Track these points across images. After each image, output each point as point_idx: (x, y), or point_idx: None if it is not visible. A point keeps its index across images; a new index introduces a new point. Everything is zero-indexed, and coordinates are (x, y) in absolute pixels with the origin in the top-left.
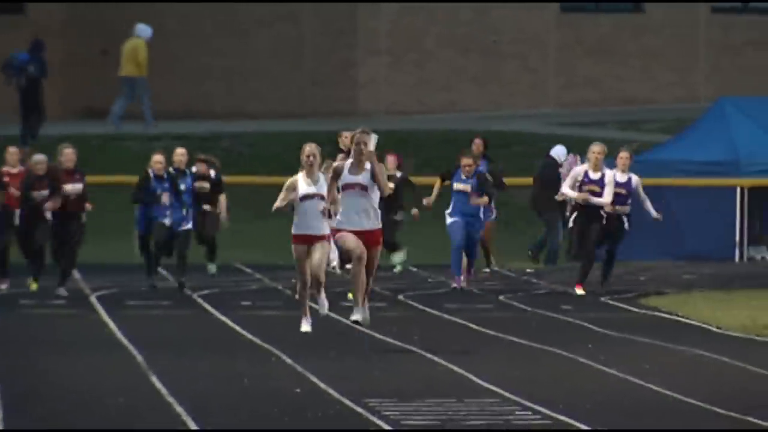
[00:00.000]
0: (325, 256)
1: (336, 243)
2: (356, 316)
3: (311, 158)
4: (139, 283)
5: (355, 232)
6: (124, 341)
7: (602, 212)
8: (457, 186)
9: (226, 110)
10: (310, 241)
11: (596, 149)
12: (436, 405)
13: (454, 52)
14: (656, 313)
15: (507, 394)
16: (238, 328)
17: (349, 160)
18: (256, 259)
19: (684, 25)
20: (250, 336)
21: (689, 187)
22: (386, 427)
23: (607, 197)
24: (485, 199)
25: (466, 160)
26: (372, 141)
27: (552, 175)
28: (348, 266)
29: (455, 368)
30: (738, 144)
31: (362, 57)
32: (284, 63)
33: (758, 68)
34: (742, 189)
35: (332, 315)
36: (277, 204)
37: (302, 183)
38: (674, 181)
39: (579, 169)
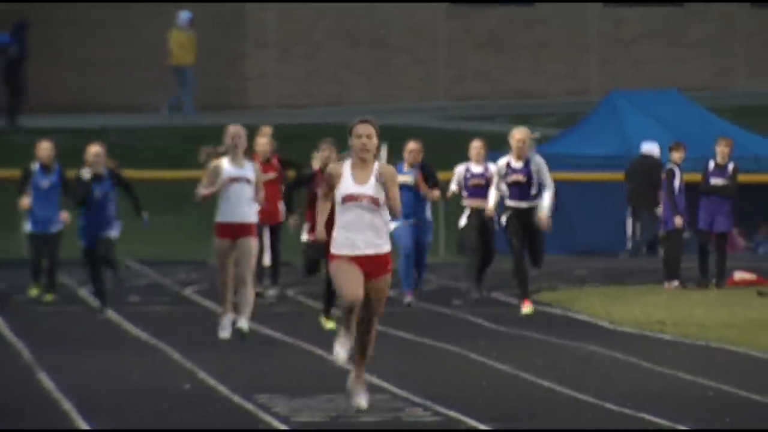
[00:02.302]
0: (252, 254)
1: (330, 274)
2: (358, 400)
3: (236, 139)
4: (25, 279)
5: (357, 259)
6: (11, 337)
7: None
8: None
9: (115, 103)
10: (236, 232)
11: (518, 136)
12: (326, 401)
13: (343, 45)
14: (548, 309)
15: (397, 390)
16: (126, 324)
17: (347, 162)
18: (147, 254)
19: (575, 18)
20: (138, 332)
21: (581, 182)
22: (276, 423)
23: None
24: (437, 192)
25: (413, 145)
26: (383, 150)
27: (651, 172)
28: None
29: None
30: (630, 137)
31: (251, 50)
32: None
33: (650, 61)
34: None
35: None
36: (204, 191)
37: (228, 166)
38: (566, 175)
39: (501, 163)
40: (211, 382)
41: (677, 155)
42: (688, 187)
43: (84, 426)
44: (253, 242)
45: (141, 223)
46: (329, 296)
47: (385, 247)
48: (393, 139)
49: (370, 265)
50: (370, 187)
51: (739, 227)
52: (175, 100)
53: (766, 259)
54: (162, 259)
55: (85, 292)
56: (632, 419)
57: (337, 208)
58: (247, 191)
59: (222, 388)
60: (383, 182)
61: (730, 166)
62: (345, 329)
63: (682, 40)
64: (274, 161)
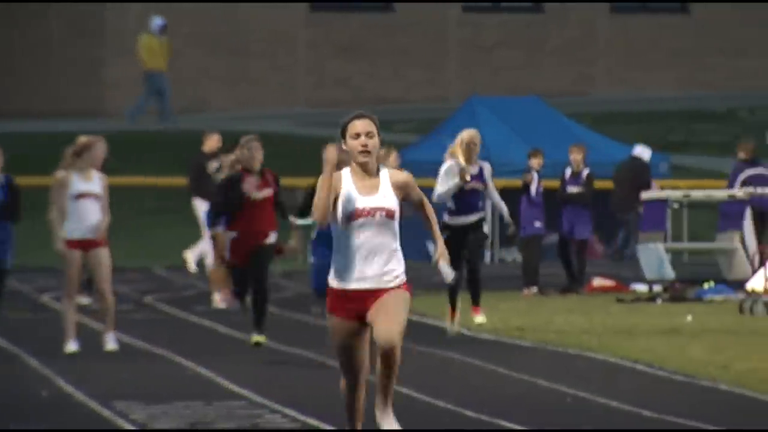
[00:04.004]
0: (106, 264)
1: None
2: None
3: (89, 151)
4: None
5: (359, 295)
6: None
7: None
8: None
9: None
10: (86, 246)
11: (468, 136)
12: (183, 408)
13: (203, 52)
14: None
15: (255, 397)
16: None
17: (345, 171)
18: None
19: (434, 24)
20: None
21: None
22: (133, 429)
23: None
24: None
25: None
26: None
27: (638, 174)
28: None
29: (203, 371)
30: (488, 144)
31: (110, 57)
32: (32, 62)
33: (508, 67)
34: None
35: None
36: (54, 214)
37: (75, 179)
38: (424, 181)
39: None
40: (69, 389)
41: (536, 161)
42: (548, 193)
43: None
44: (104, 252)
45: None
46: (258, 309)
47: (398, 277)
48: None
49: (376, 299)
50: (383, 197)
51: (597, 234)
52: (138, 108)
53: (624, 265)
54: (19, 266)
55: None
56: (489, 425)
57: (338, 232)
58: (96, 206)
59: (79, 395)
60: (403, 189)
61: (584, 173)
62: (348, 419)
63: (541, 46)
64: (268, 176)
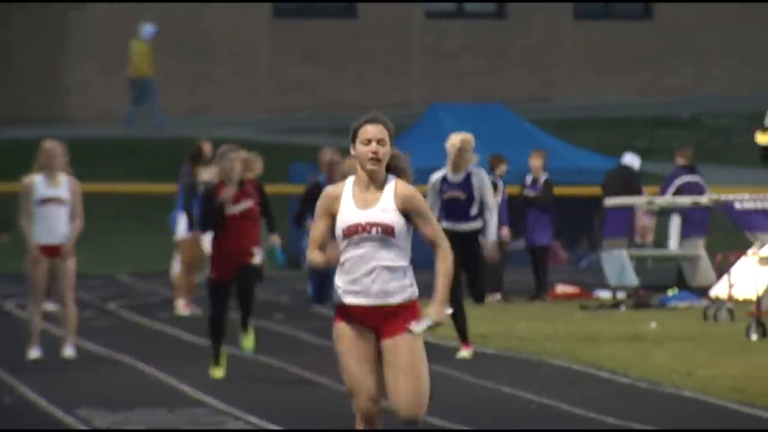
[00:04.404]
0: (71, 273)
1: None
2: None
3: (51, 156)
4: None
5: (366, 311)
6: None
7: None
8: None
9: None
10: (52, 253)
11: (455, 140)
12: (146, 415)
13: (166, 56)
14: None
15: (219, 404)
16: None
17: (350, 180)
18: None
19: (397, 30)
20: None
21: None
22: None
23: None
24: None
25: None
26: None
27: (628, 183)
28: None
29: (166, 378)
30: None
31: (72, 62)
32: None
33: (472, 74)
34: None
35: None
36: (23, 220)
37: (40, 184)
38: None
39: (436, 177)
40: (32, 396)
41: (499, 168)
42: (512, 200)
43: None
44: (70, 258)
45: None
46: (214, 332)
47: (406, 294)
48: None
49: (384, 319)
50: (380, 211)
51: (560, 240)
52: (131, 115)
53: (587, 272)
54: None
55: None
56: None
57: (340, 245)
58: (62, 212)
59: (43, 402)
60: (405, 205)
61: (542, 179)
62: None
63: (504, 52)
64: (249, 187)
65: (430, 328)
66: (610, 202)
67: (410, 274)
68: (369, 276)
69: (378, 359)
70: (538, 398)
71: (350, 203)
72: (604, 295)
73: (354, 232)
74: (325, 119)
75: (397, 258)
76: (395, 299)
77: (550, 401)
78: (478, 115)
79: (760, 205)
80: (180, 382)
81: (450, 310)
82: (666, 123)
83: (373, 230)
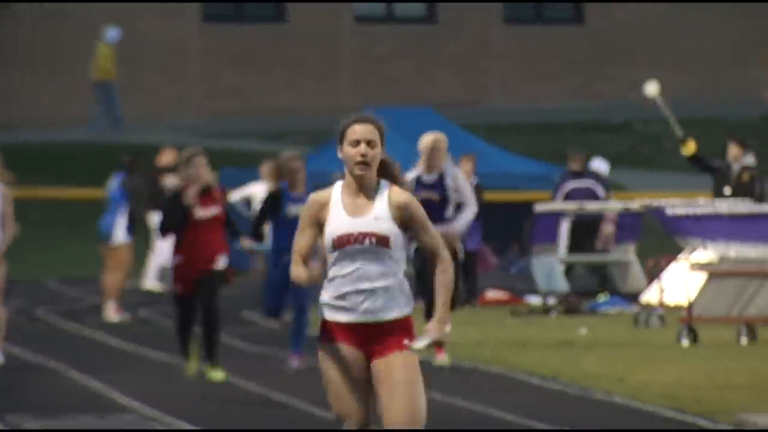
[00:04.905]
0: (2, 280)
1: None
2: None
3: None
4: None
5: (355, 329)
6: None
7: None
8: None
9: None
10: None
11: (428, 140)
12: (75, 421)
13: None
14: None
15: (147, 410)
16: None
17: (337, 186)
18: None
19: (327, 35)
20: None
21: None
22: None
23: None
24: None
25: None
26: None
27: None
28: None
29: (94, 384)
30: None
31: (1, 68)
32: None
33: (402, 78)
34: None
35: None
36: None
37: None
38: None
39: (409, 177)
40: None
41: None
42: None
43: None
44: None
45: None
46: (182, 332)
47: (399, 309)
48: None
49: (376, 338)
50: (374, 220)
51: (491, 245)
52: (101, 118)
53: (518, 277)
54: None
55: None
56: None
57: (328, 256)
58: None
59: None
60: (401, 213)
61: (472, 184)
62: None
63: (435, 57)
64: (215, 193)
65: (429, 346)
66: (540, 207)
67: (405, 287)
68: (360, 291)
69: (368, 380)
70: (469, 404)
71: (340, 211)
72: (535, 300)
73: (345, 242)
74: (256, 124)
75: (392, 271)
76: (388, 315)
77: (480, 407)
78: (407, 120)
79: (691, 211)
80: (108, 388)
81: (449, 327)
82: (597, 128)
83: (366, 240)
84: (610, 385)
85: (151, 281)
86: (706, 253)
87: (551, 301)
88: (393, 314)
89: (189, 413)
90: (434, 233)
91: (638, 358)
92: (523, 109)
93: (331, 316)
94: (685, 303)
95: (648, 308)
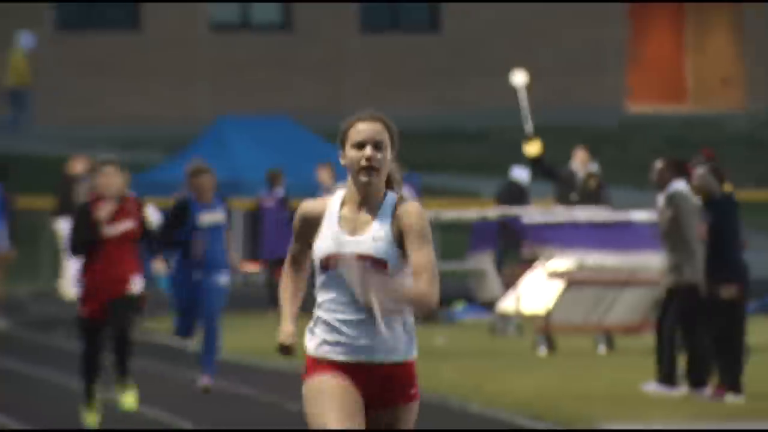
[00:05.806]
0: None
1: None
2: None
3: None
4: None
5: (351, 368)
6: None
7: None
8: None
9: None
10: None
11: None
12: None
13: None
14: (156, 338)
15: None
16: None
17: (339, 194)
18: None
19: (183, 43)
20: None
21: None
22: None
23: None
24: None
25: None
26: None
27: (520, 198)
28: None
29: None
30: (237, 165)
31: None
32: None
33: (258, 86)
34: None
35: None
36: None
37: None
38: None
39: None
40: None
41: (276, 182)
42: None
43: None
44: None
45: None
46: (88, 370)
47: (400, 350)
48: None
49: (375, 384)
50: (371, 240)
51: None
52: (13, 120)
53: None
54: None
55: None
56: None
57: (317, 277)
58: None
59: None
60: (405, 230)
61: (332, 191)
62: None
63: (291, 65)
64: (130, 205)
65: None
66: None
67: (409, 323)
68: (354, 324)
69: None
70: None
71: (333, 226)
72: None
73: (335, 264)
74: (112, 131)
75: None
76: (388, 357)
77: None
78: (264, 128)
79: (547, 219)
80: None
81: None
82: (454, 137)
83: (361, 264)
84: (467, 394)
85: (71, 287)
86: (564, 262)
87: None
88: (394, 356)
89: (42, 422)
90: (429, 255)
91: (495, 367)
92: None
93: (320, 352)
94: (542, 311)
95: (505, 317)
